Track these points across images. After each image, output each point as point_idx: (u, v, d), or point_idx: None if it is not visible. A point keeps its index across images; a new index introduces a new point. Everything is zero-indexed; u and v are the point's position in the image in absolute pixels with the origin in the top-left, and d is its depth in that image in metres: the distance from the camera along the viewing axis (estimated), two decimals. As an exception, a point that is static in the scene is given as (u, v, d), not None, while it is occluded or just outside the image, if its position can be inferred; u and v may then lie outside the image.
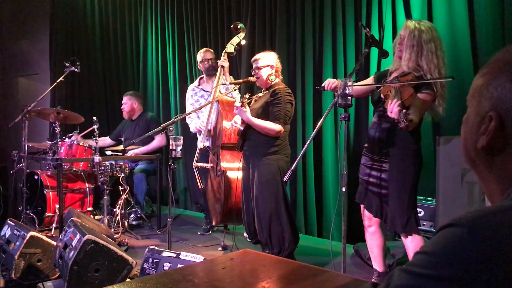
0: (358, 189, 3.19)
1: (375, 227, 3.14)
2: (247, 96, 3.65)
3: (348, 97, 2.65)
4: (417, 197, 3.01)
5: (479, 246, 0.68)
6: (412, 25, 2.86)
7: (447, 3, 3.76)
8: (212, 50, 4.92)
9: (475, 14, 3.63)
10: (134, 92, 5.87)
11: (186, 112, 4.83)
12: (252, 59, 3.80)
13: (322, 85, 3.09)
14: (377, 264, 3.19)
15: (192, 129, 4.86)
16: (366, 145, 3.14)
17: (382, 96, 2.87)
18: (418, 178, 2.91)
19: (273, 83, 3.74)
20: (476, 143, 0.84)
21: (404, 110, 2.53)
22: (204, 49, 4.91)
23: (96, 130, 4.58)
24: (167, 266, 2.59)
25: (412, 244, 2.92)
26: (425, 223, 3.63)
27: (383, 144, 2.95)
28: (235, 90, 4.36)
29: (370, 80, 3.25)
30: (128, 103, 5.65)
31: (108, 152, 5.19)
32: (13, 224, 3.50)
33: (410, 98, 2.71)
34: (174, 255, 2.63)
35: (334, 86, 3.03)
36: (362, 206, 3.17)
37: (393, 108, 2.57)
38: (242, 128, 3.77)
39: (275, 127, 3.55)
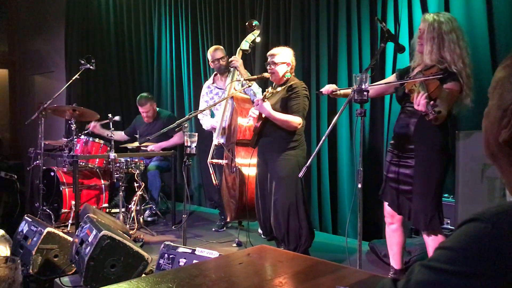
0: (382, 186, 3.14)
1: (397, 224, 3.10)
2: (266, 93, 3.63)
3: (364, 93, 2.63)
4: (442, 196, 2.95)
5: (504, 241, 0.67)
6: (431, 18, 2.82)
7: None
8: (222, 48, 4.89)
9: (493, 7, 3.57)
10: (147, 96, 5.66)
11: (200, 109, 4.84)
12: (269, 53, 3.78)
13: (321, 89, 3.20)
14: (395, 262, 3.16)
15: (205, 126, 4.86)
16: (391, 141, 3.10)
17: (407, 91, 2.83)
18: (445, 175, 2.85)
19: (288, 79, 3.73)
20: (498, 136, 0.82)
21: (431, 102, 2.49)
22: (213, 48, 4.86)
23: (112, 126, 4.61)
24: (182, 261, 2.59)
25: (433, 242, 2.87)
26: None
27: (409, 140, 2.91)
28: (249, 86, 4.36)
29: (392, 78, 3.21)
30: (151, 109, 5.54)
31: (129, 146, 5.24)
32: (30, 220, 3.54)
33: (436, 90, 2.66)
34: (190, 251, 2.64)
35: (331, 90, 3.15)
36: (385, 203, 3.12)
37: (420, 101, 2.52)
38: (257, 125, 3.76)
39: (296, 119, 3.55)
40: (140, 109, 5.57)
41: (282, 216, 3.60)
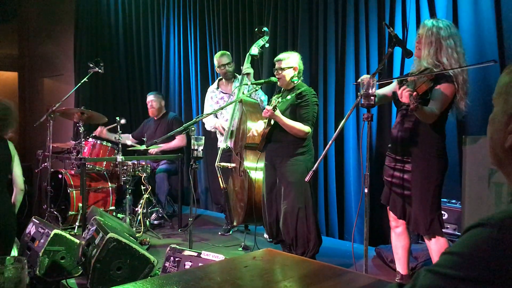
0: (384, 190, 3.15)
1: (402, 228, 3.09)
2: (278, 100, 3.61)
3: (371, 97, 2.63)
4: (441, 199, 2.95)
5: (509, 247, 0.66)
6: (430, 23, 2.85)
7: (473, 2, 3.69)
8: (228, 53, 4.91)
9: (502, 12, 3.56)
10: (157, 92, 5.92)
11: (205, 112, 4.86)
12: (276, 59, 3.80)
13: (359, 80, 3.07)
14: (401, 267, 3.15)
15: (207, 126, 4.88)
16: (389, 145, 3.10)
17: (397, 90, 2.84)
18: (442, 179, 2.85)
19: (295, 84, 3.75)
20: (503, 142, 0.82)
21: (414, 93, 2.53)
22: (219, 54, 4.89)
23: (119, 128, 4.64)
24: (188, 265, 2.60)
25: (435, 246, 2.87)
26: (448, 226, 3.56)
27: (406, 144, 2.91)
28: (256, 90, 4.37)
29: (393, 85, 3.21)
30: (157, 101, 5.67)
31: (128, 142, 5.28)
32: (37, 222, 3.56)
33: (423, 85, 2.70)
34: (195, 254, 2.64)
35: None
36: (388, 207, 3.13)
37: (402, 93, 2.58)
38: (266, 131, 3.76)
39: (305, 128, 3.59)
40: (147, 99, 5.72)
41: (291, 221, 3.61)
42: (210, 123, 4.86)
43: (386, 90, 3.17)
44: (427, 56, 2.82)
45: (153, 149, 5.30)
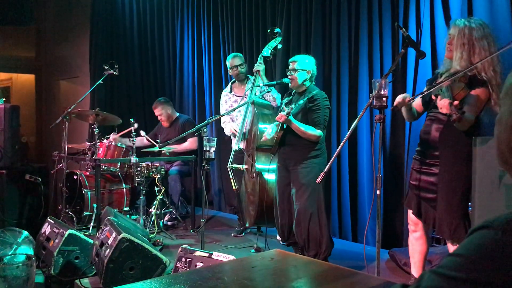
0: (408, 194, 3.10)
1: (420, 232, 3.04)
2: (291, 106, 3.60)
3: (383, 98, 2.61)
4: (468, 206, 2.87)
5: (513, 249, 0.66)
6: (462, 23, 2.76)
7: (488, 2, 3.64)
8: (241, 55, 4.92)
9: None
10: (161, 99, 5.78)
11: (222, 120, 4.89)
12: (291, 59, 3.80)
13: (394, 105, 2.93)
14: (416, 271, 3.10)
15: (227, 132, 4.89)
16: (417, 148, 3.05)
17: (433, 96, 2.79)
18: (471, 183, 2.75)
19: (307, 87, 3.75)
20: (510, 142, 0.81)
21: (455, 102, 2.45)
22: (232, 56, 4.90)
23: (133, 131, 4.68)
24: (199, 265, 2.61)
25: None
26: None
27: (434, 147, 2.86)
28: (269, 92, 4.37)
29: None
30: (164, 112, 5.65)
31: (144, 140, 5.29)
32: (53, 222, 3.60)
33: (461, 92, 2.62)
34: (207, 255, 2.65)
35: (401, 99, 2.88)
36: (409, 211, 3.07)
37: (442, 104, 2.49)
38: (279, 135, 3.77)
39: (317, 133, 3.62)
40: (155, 113, 5.71)
41: (303, 223, 3.62)
42: (227, 129, 4.88)
43: (417, 100, 3.07)
44: (459, 59, 2.74)
45: (165, 150, 5.33)
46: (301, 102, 3.70)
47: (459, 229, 2.77)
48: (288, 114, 3.50)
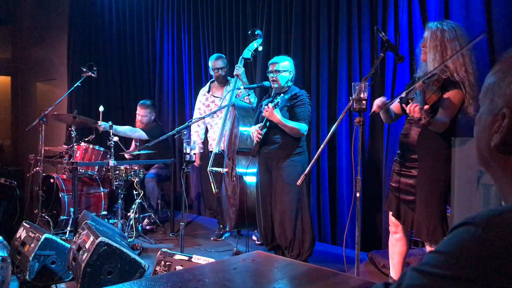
0: (388, 196, 3.12)
1: (400, 234, 3.06)
2: (278, 101, 3.60)
3: (363, 101, 2.63)
4: (446, 208, 2.90)
5: (494, 244, 0.66)
6: (434, 26, 2.81)
7: (464, 6, 3.71)
8: (224, 57, 4.90)
9: (493, 16, 3.58)
10: (149, 103, 5.63)
11: (194, 115, 4.86)
12: (270, 61, 3.80)
13: (372, 110, 2.97)
14: (395, 272, 3.13)
15: (192, 132, 4.92)
16: (397, 151, 3.07)
17: (410, 101, 2.82)
18: (449, 186, 2.78)
19: (289, 87, 3.76)
20: (489, 141, 0.82)
21: (425, 106, 2.49)
22: (215, 56, 4.87)
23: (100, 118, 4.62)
24: (179, 269, 2.58)
25: None
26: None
27: (413, 150, 2.88)
28: (249, 94, 4.37)
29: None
30: (147, 115, 5.49)
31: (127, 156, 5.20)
32: (28, 226, 3.53)
33: (433, 96, 2.65)
34: (186, 258, 2.63)
35: (382, 104, 2.91)
36: (390, 213, 3.09)
37: (413, 109, 2.53)
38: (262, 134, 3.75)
39: (303, 127, 3.64)
40: (137, 111, 5.54)
41: (288, 222, 3.63)
42: (195, 136, 4.90)
43: (395, 103, 3.10)
44: (433, 61, 2.77)
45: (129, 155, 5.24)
46: (286, 97, 3.69)
47: (437, 231, 2.80)
48: (275, 106, 3.49)
